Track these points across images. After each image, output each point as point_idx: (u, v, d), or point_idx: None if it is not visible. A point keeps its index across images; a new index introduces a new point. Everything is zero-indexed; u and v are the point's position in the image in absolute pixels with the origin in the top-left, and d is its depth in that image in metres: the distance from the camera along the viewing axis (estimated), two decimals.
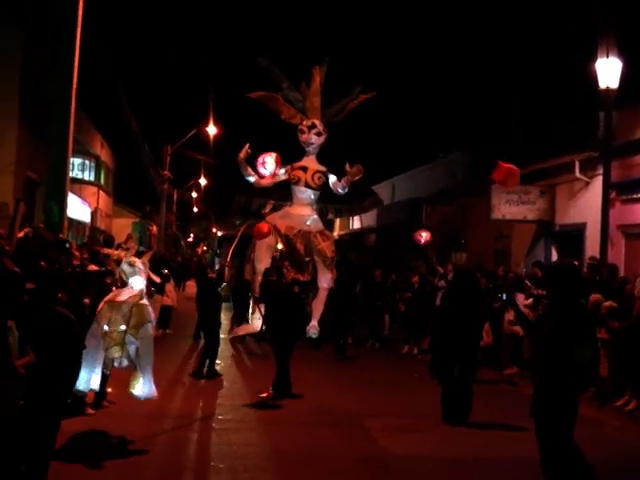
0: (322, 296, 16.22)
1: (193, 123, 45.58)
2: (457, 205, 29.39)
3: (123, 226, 51.84)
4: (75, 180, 36.27)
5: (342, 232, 46.62)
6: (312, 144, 16.36)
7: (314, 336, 15.72)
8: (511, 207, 22.35)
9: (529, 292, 17.43)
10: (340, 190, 16.39)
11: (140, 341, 11.33)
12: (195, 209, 73.02)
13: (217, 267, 20.82)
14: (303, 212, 16.47)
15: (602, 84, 17.82)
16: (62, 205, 18.04)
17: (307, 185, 18.20)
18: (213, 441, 11.49)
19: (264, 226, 17.52)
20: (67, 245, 14.17)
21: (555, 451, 8.06)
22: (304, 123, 16.38)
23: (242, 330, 21.24)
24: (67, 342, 7.82)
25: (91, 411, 12.27)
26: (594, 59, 17.91)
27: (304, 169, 16.46)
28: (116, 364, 11.43)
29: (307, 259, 16.91)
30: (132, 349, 11.25)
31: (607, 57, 17.62)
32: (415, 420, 13.16)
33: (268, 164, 17.89)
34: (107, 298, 11.70)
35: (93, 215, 44.85)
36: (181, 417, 12.78)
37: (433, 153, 35.34)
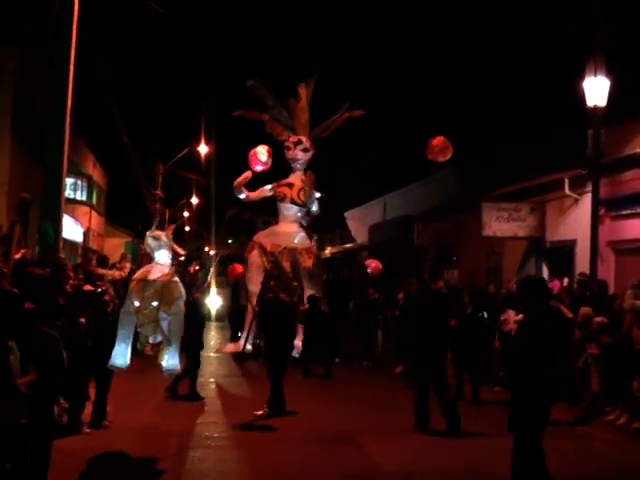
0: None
1: (185, 142, 45.63)
2: (449, 222, 29.54)
3: (115, 246, 51.84)
4: (67, 200, 36.27)
5: (334, 250, 46.70)
6: (298, 160, 16.35)
7: (296, 356, 15.71)
8: (502, 224, 22.53)
9: (520, 308, 17.56)
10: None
11: (172, 317, 11.56)
12: (187, 228, 73.22)
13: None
14: (289, 229, 16.45)
15: (590, 102, 18.01)
16: (57, 226, 18.05)
17: (293, 202, 18.26)
18: (208, 458, 11.53)
19: (237, 267, 17.63)
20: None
21: (526, 463, 8.26)
22: (290, 139, 16.38)
23: (227, 348, 21.36)
24: (51, 362, 7.86)
25: (87, 430, 12.34)
26: (582, 78, 18.11)
27: (290, 185, 16.51)
28: (150, 340, 11.69)
29: (295, 283, 16.90)
30: (164, 325, 11.51)
31: (595, 76, 17.82)
32: (406, 436, 13.21)
33: (260, 154, 17.93)
34: (138, 276, 11.87)
35: (85, 235, 44.89)
36: (176, 435, 12.84)
37: (425, 170, 35.47)
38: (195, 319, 16.89)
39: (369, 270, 21.94)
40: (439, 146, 19.57)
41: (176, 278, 12.11)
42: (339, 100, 18.83)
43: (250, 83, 17.48)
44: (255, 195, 18.53)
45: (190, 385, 16.22)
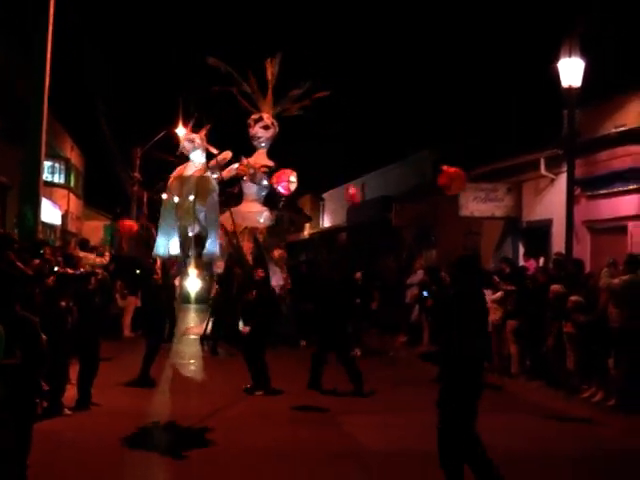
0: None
1: (162, 124, 45.47)
2: (427, 203, 29.62)
3: (94, 228, 51.83)
4: (45, 183, 36.14)
5: (312, 231, 46.76)
6: (259, 138, 16.07)
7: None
8: (479, 204, 22.65)
9: (498, 287, 17.76)
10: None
11: (208, 208, 12.11)
12: None
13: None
14: (251, 209, 16.25)
15: (565, 83, 18.13)
16: (36, 209, 18.08)
17: (252, 180, 18.04)
18: (192, 439, 11.56)
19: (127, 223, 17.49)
20: (41, 251, 14.27)
21: (457, 440, 8.34)
22: (252, 117, 16.10)
23: (191, 331, 21.33)
24: (29, 344, 7.90)
25: (68, 412, 12.42)
26: (557, 59, 18.22)
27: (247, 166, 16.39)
28: (189, 231, 12.27)
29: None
30: (202, 216, 12.04)
31: (570, 57, 17.94)
32: (394, 415, 13.44)
33: (292, 182, 17.89)
34: (175, 174, 12.58)
35: (64, 218, 44.79)
36: (158, 416, 12.94)
37: (402, 152, 35.56)
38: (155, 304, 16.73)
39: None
40: (453, 177, 20.08)
41: (209, 173, 12.78)
42: (312, 79, 18.67)
43: (210, 61, 17.30)
44: (226, 174, 18.42)
45: (142, 369, 15.62)
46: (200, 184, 12.18)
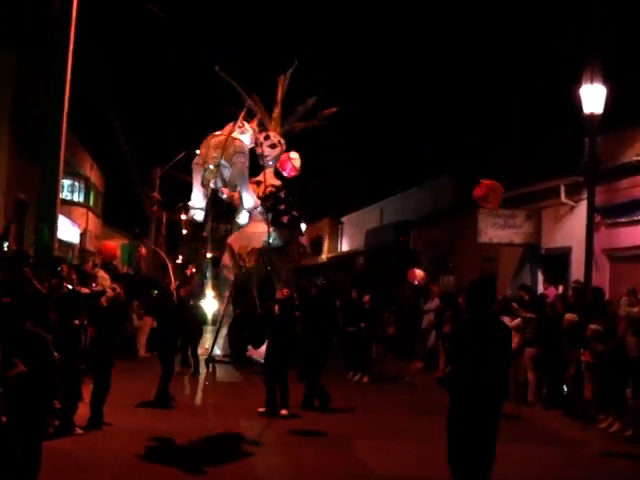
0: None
1: (183, 145, 45.63)
2: (445, 228, 29.56)
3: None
4: (64, 201, 36.30)
5: (330, 254, 46.74)
6: (266, 157, 15.75)
7: (261, 361, 15.59)
8: (497, 231, 22.52)
9: (516, 314, 17.59)
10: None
11: (234, 166, 12.29)
12: (184, 231, 72.96)
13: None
14: (257, 229, 15.97)
15: (587, 110, 18.03)
16: (53, 226, 18.10)
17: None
18: (202, 459, 11.43)
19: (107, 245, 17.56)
20: (59, 268, 14.24)
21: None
22: (258, 135, 15.89)
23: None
24: (39, 361, 7.83)
25: (80, 431, 12.34)
26: (579, 85, 18.13)
27: (258, 183, 16.16)
28: (212, 185, 12.39)
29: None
30: (226, 173, 12.13)
31: (591, 83, 17.85)
32: (407, 441, 13.29)
33: (295, 160, 17.78)
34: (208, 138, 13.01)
35: (82, 236, 44.88)
36: (169, 436, 12.81)
37: (421, 177, 35.54)
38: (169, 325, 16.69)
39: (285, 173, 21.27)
40: (489, 189, 20.00)
41: (237, 134, 12.99)
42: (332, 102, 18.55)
43: (217, 70, 17.10)
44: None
45: (160, 389, 15.62)
46: (229, 143, 12.53)
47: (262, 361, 15.53)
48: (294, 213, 16.51)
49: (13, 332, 7.64)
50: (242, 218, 14.44)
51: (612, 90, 18.07)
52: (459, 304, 20.14)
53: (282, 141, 16.15)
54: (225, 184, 12.60)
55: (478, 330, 8.31)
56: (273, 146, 15.91)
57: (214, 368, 19.13)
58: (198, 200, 13.03)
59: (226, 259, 16.15)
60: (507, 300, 18.42)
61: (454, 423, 8.22)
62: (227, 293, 15.99)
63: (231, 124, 14.19)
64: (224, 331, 16.02)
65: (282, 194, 15.88)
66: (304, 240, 17.67)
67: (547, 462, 12.20)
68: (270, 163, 16.10)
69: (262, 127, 16.09)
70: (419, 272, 25.01)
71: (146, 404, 15.24)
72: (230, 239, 16.31)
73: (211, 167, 12.67)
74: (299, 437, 13.30)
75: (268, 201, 16.02)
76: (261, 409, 14.92)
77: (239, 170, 12.62)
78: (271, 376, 15.15)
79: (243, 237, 16.12)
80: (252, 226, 15.99)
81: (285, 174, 18.32)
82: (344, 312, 22.27)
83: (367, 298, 22.58)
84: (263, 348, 15.67)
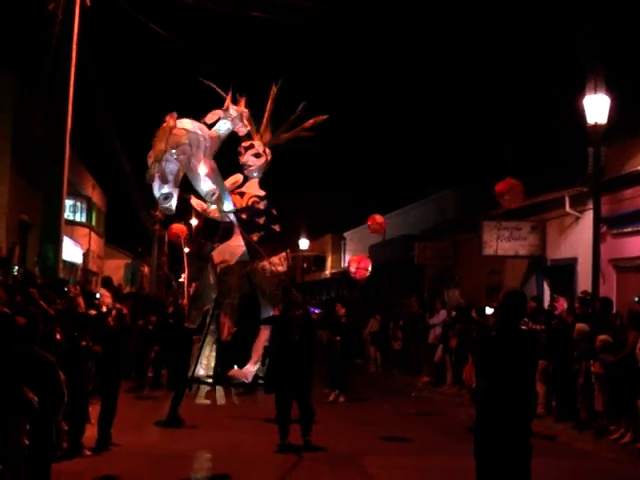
0: (264, 336, 15.36)
1: None
2: (449, 242, 29.50)
3: (115, 267, 51.85)
4: (67, 222, 36.25)
5: (334, 270, 46.67)
6: (250, 166, 15.31)
7: (246, 381, 14.87)
8: (503, 243, 22.44)
9: (526, 326, 17.48)
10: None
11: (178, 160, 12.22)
12: (186, 249, 73.06)
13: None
14: (240, 242, 15.60)
15: (590, 120, 17.95)
16: (57, 248, 18.06)
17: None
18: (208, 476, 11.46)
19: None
20: (65, 289, 14.18)
21: None
22: (242, 144, 15.51)
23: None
24: (46, 384, 7.77)
25: (88, 452, 12.24)
26: (582, 95, 18.07)
27: (242, 194, 15.79)
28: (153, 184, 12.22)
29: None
30: (170, 167, 12.03)
31: (595, 93, 17.78)
32: (416, 457, 13.23)
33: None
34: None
35: (85, 256, 44.85)
36: (176, 458, 12.74)
37: (424, 190, 35.51)
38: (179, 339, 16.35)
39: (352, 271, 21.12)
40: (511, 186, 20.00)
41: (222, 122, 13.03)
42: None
43: (205, 82, 16.73)
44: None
45: (171, 407, 15.45)
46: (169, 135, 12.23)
47: (246, 381, 14.98)
48: (275, 227, 16.21)
49: (21, 355, 7.59)
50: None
51: (616, 100, 18.00)
52: (471, 317, 20.23)
53: (267, 151, 15.83)
54: (176, 183, 12.26)
55: (511, 344, 8.14)
56: (257, 155, 15.56)
57: (197, 389, 18.42)
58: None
59: (206, 272, 15.92)
60: None
61: (485, 443, 8.02)
62: (208, 308, 15.69)
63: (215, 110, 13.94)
64: (207, 350, 15.71)
65: (261, 205, 15.43)
66: (284, 256, 16.87)
67: (559, 474, 12.10)
68: (255, 174, 15.71)
69: (247, 136, 15.78)
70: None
71: (155, 424, 15.17)
72: (213, 253, 16.02)
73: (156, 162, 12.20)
74: (308, 454, 13.14)
75: (243, 213, 15.76)
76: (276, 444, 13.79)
77: (184, 166, 12.29)
78: (287, 403, 13.77)
79: (226, 251, 15.84)
80: (235, 239, 15.68)
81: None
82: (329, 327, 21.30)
83: (343, 311, 21.23)
84: (249, 368, 15.21)
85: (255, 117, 16.63)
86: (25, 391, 7.22)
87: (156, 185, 12.31)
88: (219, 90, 16.01)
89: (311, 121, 16.28)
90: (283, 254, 16.68)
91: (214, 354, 16.59)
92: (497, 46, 34.53)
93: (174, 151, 12.29)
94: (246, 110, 15.11)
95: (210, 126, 15.19)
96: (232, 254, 16.19)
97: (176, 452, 13.05)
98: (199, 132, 13.71)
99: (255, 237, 16.10)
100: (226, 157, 15.39)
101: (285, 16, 18.31)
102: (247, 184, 15.88)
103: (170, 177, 12.03)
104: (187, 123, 13.28)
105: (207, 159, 14.50)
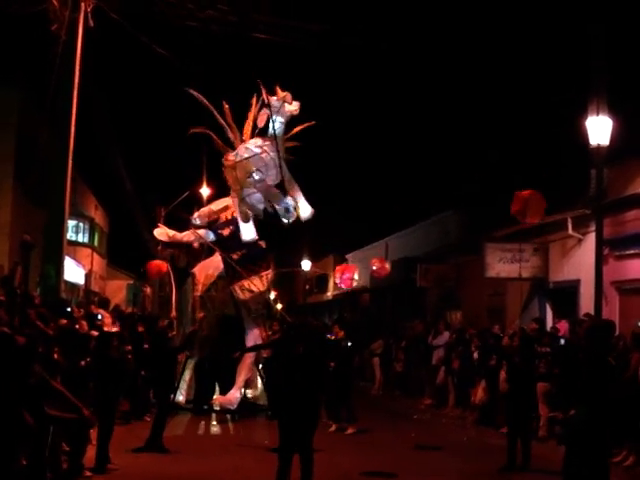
0: (248, 359, 14.90)
1: (187, 184, 45.56)
2: (451, 264, 29.48)
3: (117, 288, 51.74)
4: (69, 242, 36.20)
5: (336, 292, 46.62)
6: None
7: (231, 407, 14.17)
8: (505, 265, 22.43)
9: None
10: None
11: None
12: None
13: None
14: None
15: (593, 142, 17.95)
16: (59, 268, 18.03)
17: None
18: None
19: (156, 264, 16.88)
20: (68, 309, 14.17)
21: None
22: (226, 156, 15.11)
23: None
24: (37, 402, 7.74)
25: (89, 474, 12.17)
26: (585, 117, 18.08)
27: (226, 209, 15.54)
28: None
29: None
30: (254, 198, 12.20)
31: (597, 115, 17.79)
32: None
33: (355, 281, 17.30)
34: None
35: (87, 277, 44.78)
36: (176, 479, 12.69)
37: (426, 212, 35.49)
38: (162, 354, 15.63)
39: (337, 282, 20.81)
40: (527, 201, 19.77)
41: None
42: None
43: (192, 93, 16.42)
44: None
45: (152, 434, 14.62)
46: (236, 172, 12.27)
47: (231, 407, 14.55)
48: (261, 244, 16.08)
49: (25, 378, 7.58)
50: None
51: (618, 122, 18.01)
52: (468, 340, 20.14)
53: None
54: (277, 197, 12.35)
55: (601, 375, 8.25)
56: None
57: (176, 414, 17.59)
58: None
59: (188, 286, 15.84)
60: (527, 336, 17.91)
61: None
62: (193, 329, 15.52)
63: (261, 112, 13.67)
64: (187, 375, 15.40)
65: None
66: (266, 276, 16.49)
67: None
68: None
69: (231, 147, 15.53)
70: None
71: (141, 449, 14.47)
72: (195, 269, 15.79)
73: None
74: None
75: (226, 228, 15.59)
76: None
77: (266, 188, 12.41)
78: (293, 439, 11.17)
79: (210, 266, 15.71)
80: (217, 255, 15.52)
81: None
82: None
83: (341, 334, 18.98)
84: (235, 394, 14.93)
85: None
86: (24, 413, 7.20)
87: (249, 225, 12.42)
88: (206, 101, 15.90)
89: (298, 128, 16.11)
90: (265, 273, 16.46)
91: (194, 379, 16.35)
92: (500, 68, 34.58)
93: (250, 180, 12.41)
94: (285, 93, 14.82)
95: (263, 129, 15.11)
96: (216, 268, 16.10)
97: (174, 474, 12.97)
98: (257, 150, 13.64)
99: (236, 256, 15.69)
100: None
101: (288, 38, 18.29)
102: (229, 197, 15.68)
103: (261, 206, 12.11)
104: (243, 149, 13.25)
105: (276, 169, 14.42)
